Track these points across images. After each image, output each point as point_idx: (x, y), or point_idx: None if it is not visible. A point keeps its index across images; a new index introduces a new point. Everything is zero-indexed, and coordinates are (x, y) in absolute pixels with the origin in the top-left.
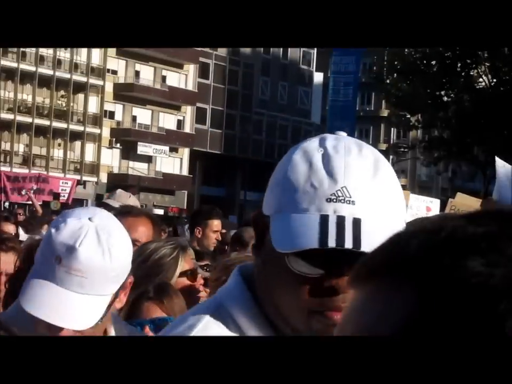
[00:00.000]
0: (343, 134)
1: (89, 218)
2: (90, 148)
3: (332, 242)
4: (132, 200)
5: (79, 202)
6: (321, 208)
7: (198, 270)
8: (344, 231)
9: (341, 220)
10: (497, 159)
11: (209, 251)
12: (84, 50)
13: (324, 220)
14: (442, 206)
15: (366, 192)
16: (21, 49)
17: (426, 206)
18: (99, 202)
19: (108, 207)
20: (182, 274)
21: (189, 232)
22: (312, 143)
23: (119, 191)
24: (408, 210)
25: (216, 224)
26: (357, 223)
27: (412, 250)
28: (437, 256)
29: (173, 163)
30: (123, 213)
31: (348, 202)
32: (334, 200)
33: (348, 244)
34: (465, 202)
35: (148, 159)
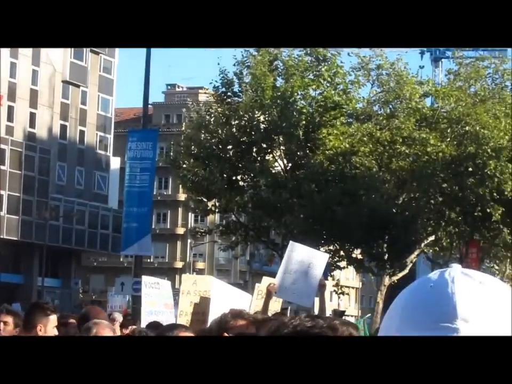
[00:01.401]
0: (458, 265)
1: None
2: None
3: None
4: None
5: None
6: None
7: None
8: None
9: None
10: (291, 242)
11: None
12: None
13: None
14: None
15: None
16: None
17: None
18: None
19: None
20: None
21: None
22: (427, 278)
23: None
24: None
25: (54, 319)
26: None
27: None
28: None
29: None
30: None
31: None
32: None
33: None
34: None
35: None
